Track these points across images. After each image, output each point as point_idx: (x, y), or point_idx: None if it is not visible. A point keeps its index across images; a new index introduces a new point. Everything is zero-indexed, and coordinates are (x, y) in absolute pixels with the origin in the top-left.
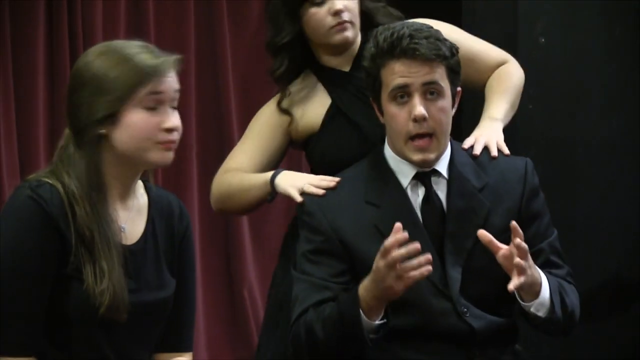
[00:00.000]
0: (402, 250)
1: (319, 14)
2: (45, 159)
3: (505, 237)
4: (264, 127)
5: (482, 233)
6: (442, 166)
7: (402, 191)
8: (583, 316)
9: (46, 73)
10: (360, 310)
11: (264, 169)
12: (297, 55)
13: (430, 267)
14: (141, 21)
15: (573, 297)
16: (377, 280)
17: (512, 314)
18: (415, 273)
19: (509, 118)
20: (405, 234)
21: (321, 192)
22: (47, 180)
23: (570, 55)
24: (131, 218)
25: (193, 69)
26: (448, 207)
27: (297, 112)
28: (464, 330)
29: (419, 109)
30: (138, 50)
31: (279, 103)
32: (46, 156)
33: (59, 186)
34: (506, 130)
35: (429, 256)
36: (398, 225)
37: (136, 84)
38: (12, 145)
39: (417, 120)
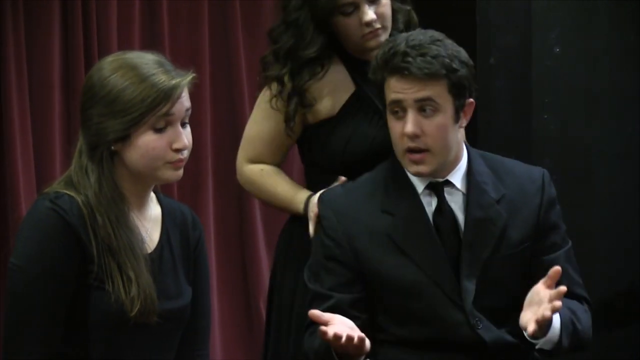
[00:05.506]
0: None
1: (351, 24)
2: (62, 170)
3: (522, 248)
4: (278, 125)
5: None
6: (457, 177)
7: (418, 199)
8: (599, 326)
9: (62, 83)
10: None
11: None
12: (325, 60)
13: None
14: (155, 31)
15: (585, 322)
16: None
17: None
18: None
19: None
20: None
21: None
22: (65, 192)
23: (585, 64)
24: (148, 228)
25: (208, 80)
26: (466, 217)
27: (316, 93)
28: (476, 343)
29: (409, 127)
30: (153, 70)
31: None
32: (62, 168)
33: (78, 197)
34: (521, 139)
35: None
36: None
37: (150, 108)
38: (29, 157)
39: (409, 137)
